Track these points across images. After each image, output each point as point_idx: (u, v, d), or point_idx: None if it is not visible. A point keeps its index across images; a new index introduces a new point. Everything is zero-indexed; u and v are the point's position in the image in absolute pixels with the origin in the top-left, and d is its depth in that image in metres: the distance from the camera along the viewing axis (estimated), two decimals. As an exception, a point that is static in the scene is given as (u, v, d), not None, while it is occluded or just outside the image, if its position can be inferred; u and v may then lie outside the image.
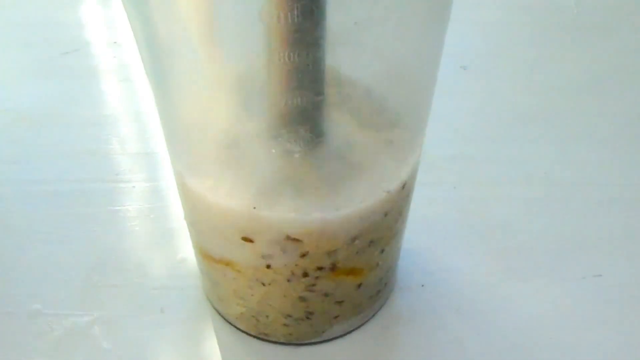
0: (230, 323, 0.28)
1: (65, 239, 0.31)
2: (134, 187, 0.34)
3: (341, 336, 0.27)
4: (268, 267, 0.23)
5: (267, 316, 0.26)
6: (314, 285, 0.24)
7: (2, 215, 0.32)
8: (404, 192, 0.23)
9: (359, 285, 0.25)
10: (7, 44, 0.44)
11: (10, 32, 0.45)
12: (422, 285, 0.29)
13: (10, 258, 0.31)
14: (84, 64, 0.42)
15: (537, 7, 0.47)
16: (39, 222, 0.32)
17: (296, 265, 0.23)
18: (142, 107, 0.39)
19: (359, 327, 0.28)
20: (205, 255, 0.25)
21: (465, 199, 0.33)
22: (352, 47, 0.19)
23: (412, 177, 0.24)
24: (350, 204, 0.21)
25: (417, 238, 0.31)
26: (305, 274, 0.23)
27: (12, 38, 0.44)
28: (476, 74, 0.41)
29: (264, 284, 0.24)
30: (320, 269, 0.23)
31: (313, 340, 0.27)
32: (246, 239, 0.22)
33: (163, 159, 0.35)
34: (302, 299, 0.24)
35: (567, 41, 0.44)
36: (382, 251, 0.25)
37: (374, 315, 0.28)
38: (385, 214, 0.23)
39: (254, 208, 0.21)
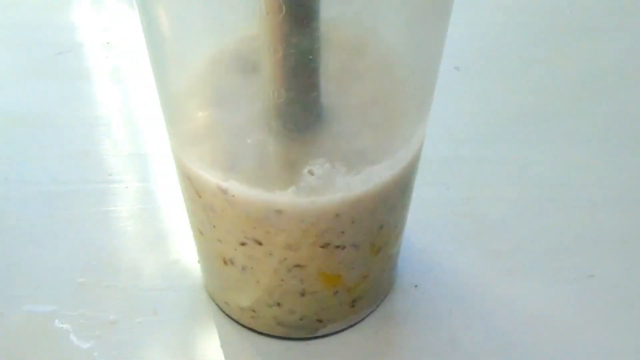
0: (230, 317, 0.28)
1: (58, 239, 0.31)
2: (126, 187, 0.34)
3: (338, 332, 0.27)
4: (268, 262, 0.23)
5: (264, 311, 0.26)
6: (313, 284, 0.24)
7: (-7, 216, 0.32)
8: (406, 196, 0.23)
9: (358, 284, 0.25)
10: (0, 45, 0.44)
11: (2, 33, 0.45)
12: (416, 286, 0.29)
13: (2, 258, 0.30)
14: (77, 65, 0.42)
15: (530, 7, 0.48)
16: (31, 223, 0.32)
17: (295, 264, 0.23)
18: (134, 108, 0.39)
19: (354, 325, 0.28)
20: (212, 254, 0.25)
21: (458, 200, 0.33)
22: (351, 41, 0.19)
23: (411, 178, 0.24)
24: (347, 203, 0.21)
25: (411, 238, 0.31)
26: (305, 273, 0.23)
27: (5, 39, 0.44)
28: (469, 75, 0.41)
29: (260, 281, 0.24)
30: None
31: (310, 336, 0.27)
32: (255, 241, 0.22)
33: (156, 160, 0.35)
34: (301, 296, 0.24)
35: (560, 42, 0.44)
36: (379, 250, 0.25)
37: (370, 315, 0.28)
38: (384, 216, 0.23)
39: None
